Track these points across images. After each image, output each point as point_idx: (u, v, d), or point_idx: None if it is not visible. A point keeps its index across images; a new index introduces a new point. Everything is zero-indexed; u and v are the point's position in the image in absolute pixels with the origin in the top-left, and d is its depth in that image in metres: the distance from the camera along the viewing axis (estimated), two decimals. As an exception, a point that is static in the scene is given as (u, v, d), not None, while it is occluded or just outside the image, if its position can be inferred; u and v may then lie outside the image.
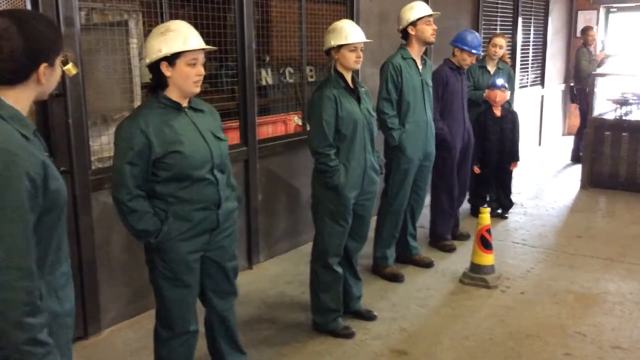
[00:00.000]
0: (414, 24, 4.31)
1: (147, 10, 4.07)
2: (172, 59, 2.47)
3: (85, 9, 4.60)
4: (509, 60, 6.19)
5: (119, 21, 4.50)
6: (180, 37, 2.47)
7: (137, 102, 4.44)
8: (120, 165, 2.52)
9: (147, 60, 2.52)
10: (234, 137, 4.67)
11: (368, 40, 3.58)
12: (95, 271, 3.61)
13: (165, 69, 2.48)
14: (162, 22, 3.93)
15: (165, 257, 2.67)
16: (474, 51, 4.86)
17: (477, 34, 5.04)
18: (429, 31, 4.31)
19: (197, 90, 2.56)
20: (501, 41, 5.74)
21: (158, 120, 2.52)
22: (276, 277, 4.56)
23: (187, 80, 2.51)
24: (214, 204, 2.66)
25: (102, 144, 3.92)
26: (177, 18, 4.69)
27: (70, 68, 3.26)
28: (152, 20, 4.45)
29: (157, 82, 2.55)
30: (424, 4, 4.41)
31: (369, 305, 3.96)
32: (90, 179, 3.53)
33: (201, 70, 2.53)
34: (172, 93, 2.55)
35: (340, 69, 3.52)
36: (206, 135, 2.63)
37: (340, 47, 3.45)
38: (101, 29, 4.21)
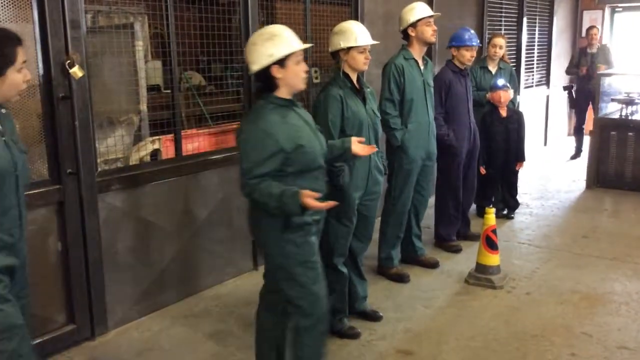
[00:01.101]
0: (414, 25, 4.33)
1: (152, 13, 4.07)
2: (282, 61, 2.61)
3: (92, 12, 4.63)
4: (509, 60, 6.17)
5: (124, 24, 4.53)
6: (286, 39, 2.64)
7: (143, 104, 4.47)
8: (253, 171, 2.56)
9: (257, 67, 2.63)
10: (239, 139, 4.68)
11: (376, 42, 3.59)
12: (102, 272, 3.63)
13: (276, 71, 2.62)
14: (168, 24, 3.97)
15: (298, 240, 2.70)
16: (468, 44, 4.85)
17: (468, 28, 5.03)
18: (429, 32, 4.32)
19: (304, 86, 2.78)
20: (501, 41, 5.73)
21: (278, 119, 2.63)
22: (282, 278, 4.57)
23: (297, 78, 2.69)
24: (322, 190, 2.75)
25: (109, 146, 3.95)
26: (182, 20, 4.73)
27: (77, 71, 3.33)
28: (158, 22, 4.48)
29: (266, 85, 2.68)
30: (424, 5, 4.42)
31: (375, 305, 3.97)
32: (97, 181, 3.54)
33: (306, 66, 2.74)
34: (282, 93, 2.69)
35: (347, 70, 3.53)
36: (313, 127, 2.82)
37: (349, 48, 3.47)
38: (107, 31, 4.24)
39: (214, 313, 3.99)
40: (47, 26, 3.22)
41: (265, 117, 2.62)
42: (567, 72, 8.90)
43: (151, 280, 3.96)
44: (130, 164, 4.06)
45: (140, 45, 4.52)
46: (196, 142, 4.48)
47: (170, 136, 4.17)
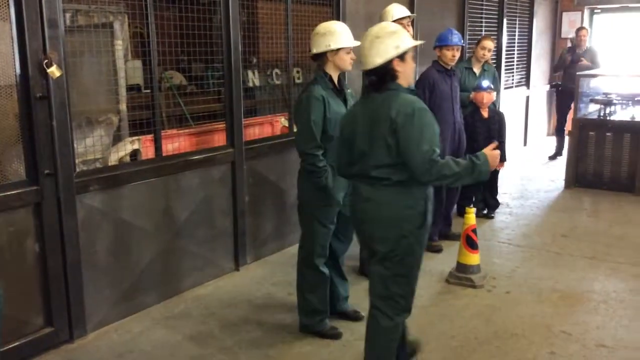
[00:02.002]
0: None
1: (132, 12, 4.04)
2: (403, 55, 2.78)
3: (71, 11, 4.58)
4: (492, 62, 6.22)
5: (104, 23, 4.48)
6: (406, 34, 2.83)
7: (123, 104, 4.43)
8: (436, 151, 2.67)
9: (381, 60, 2.74)
10: (221, 139, 4.66)
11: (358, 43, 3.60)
12: (80, 274, 3.59)
13: (397, 64, 2.77)
14: (148, 23, 3.93)
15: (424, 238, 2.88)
16: (449, 43, 4.88)
17: (452, 29, 5.07)
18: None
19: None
20: (490, 44, 5.78)
21: None
22: (263, 278, 4.56)
23: (412, 71, 2.90)
24: None
25: (87, 146, 3.91)
26: (163, 20, 4.69)
27: (54, 70, 3.28)
28: (138, 21, 4.44)
29: (384, 78, 2.78)
30: (399, 6, 4.47)
31: (356, 305, 3.96)
32: (75, 182, 3.50)
33: None
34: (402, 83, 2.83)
35: (330, 70, 3.52)
36: None
37: (338, 49, 3.47)
38: (86, 30, 4.19)
39: (195, 314, 3.96)
40: (25, 25, 3.18)
41: (421, 102, 2.77)
42: (556, 69, 9.02)
43: (131, 282, 3.92)
44: (109, 164, 4.01)
45: (119, 45, 4.48)
46: (177, 142, 4.45)
47: (150, 136, 4.13)
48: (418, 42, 2.94)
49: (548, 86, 10.23)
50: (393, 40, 2.73)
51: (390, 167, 2.70)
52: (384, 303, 2.86)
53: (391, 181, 2.72)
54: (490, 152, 2.79)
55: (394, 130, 2.64)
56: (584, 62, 8.28)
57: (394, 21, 4.36)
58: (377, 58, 2.73)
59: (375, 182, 2.75)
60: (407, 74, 2.81)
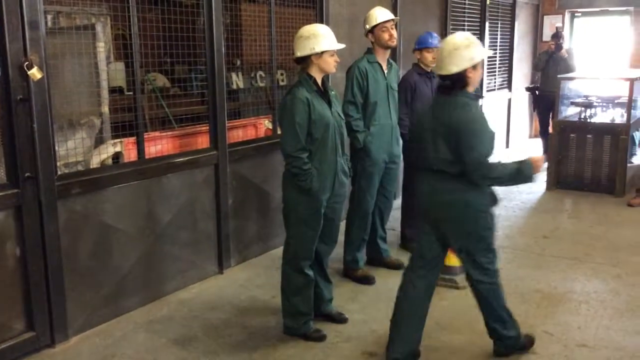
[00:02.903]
0: (371, 31, 4.39)
1: (115, 14, 4.01)
2: (475, 65, 3.09)
3: (52, 13, 4.54)
4: None
5: (86, 25, 4.45)
6: (480, 45, 3.14)
7: (105, 107, 4.40)
8: (488, 153, 3.11)
9: (457, 69, 3.05)
10: (204, 142, 4.65)
11: (344, 45, 3.61)
12: (62, 278, 3.55)
13: (469, 72, 3.07)
14: (131, 25, 3.91)
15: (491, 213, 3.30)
16: (429, 45, 4.92)
17: (431, 32, 5.11)
18: (385, 37, 4.39)
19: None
20: None
21: None
22: (247, 281, 4.55)
23: (479, 79, 3.18)
24: None
25: (69, 149, 3.88)
26: (146, 22, 4.67)
27: (35, 72, 3.25)
28: (120, 23, 4.41)
29: (456, 84, 3.09)
30: (382, 10, 4.47)
31: (340, 307, 3.98)
32: (56, 185, 3.47)
33: None
34: (470, 90, 3.15)
35: (314, 73, 3.53)
36: None
37: (322, 52, 3.47)
38: (68, 32, 4.16)
39: (178, 318, 3.94)
40: (5, 27, 3.14)
41: (479, 108, 3.18)
42: (536, 68, 9.15)
43: (113, 286, 3.89)
44: (91, 167, 3.98)
45: (101, 47, 4.45)
46: (160, 144, 4.43)
47: (132, 139, 4.11)
48: (489, 53, 3.40)
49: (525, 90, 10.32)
50: (469, 52, 3.06)
51: (449, 162, 3.09)
52: (477, 272, 3.27)
53: (451, 174, 3.10)
54: (535, 158, 3.14)
55: (456, 132, 3.02)
56: (564, 53, 8.41)
57: (377, 24, 4.38)
58: (454, 67, 3.06)
59: (438, 173, 3.14)
60: (476, 81, 3.16)
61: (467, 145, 2.99)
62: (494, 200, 3.21)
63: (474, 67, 3.08)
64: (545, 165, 3.09)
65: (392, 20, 4.41)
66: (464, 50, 3.06)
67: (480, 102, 3.65)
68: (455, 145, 3.03)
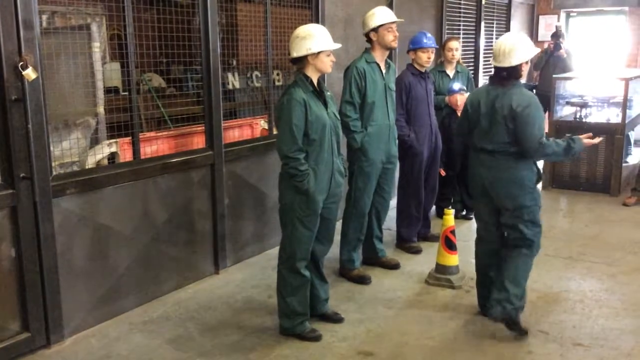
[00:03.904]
0: (375, 30, 4.38)
1: (110, 14, 4.01)
2: (528, 60, 3.68)
3: (48, 13, 4.54)
4: (462, 62, 6.27)
5: (81, 25, 4.45)
6: (530, 43, 3.64)
7: (100, 107, 4.40)
8: (543, 134, 3.57)
9: (517, 62, 3.56)
10: (200, 141, 4.65)
11: (340, 45, 3.61)
12: (57, 279, 3.55)
13: (523, 66, 3.62)
14: (125, 25, 3.90)
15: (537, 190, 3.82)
16: (424, 45, 4.93)
17: (424, 32, 5.12)
18: (390, 37, 4.38)
19: None
20: (455, 44, 5.82)
21: None
22: (243, 281, 4.55)
23: (527, 71, 3.77)
24: None
25: (64, 149, 3.87)
26: (142, 22, 4.66)
27: (30, 73, 3.25)
28: (116, 23, 4.41)
29: (513, 75, 3.60)
30: (386, 10, 4.46)
31: (336, 307, 3.98)
32: (51, 185, 3.46)
33: None
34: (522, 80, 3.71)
35: (310, 73, 3.53)
36: None
37: (319, 52, 3.47)
38: (63, 32, 4.15)
39: (174, 318, 3.94)
40: (-1, 27, 3.14)
41: (535, 98, 3.59)
42: (535, 67, 9.17)
43: (109, 286, 3.89)
44: (87, 167, 3.98)
45: (97, 47, 4.44)
46: (155, 145, 4.42)
47: (127, 139, 4.10)
48: (538, 51, 3.77)
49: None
50: (528, 49, 3.59)
51: (507, 144, 3.56)
52: (526, 242, 3.67)
53: (508, 152, 3.58)
54: (585, 138, 3.67)
55: (513, 118, 3.49)
56: (563, 52, 8.44)
57: (383, 24, 4.36)
58: (514, 60, 3.56)
59: (495, 153, 3.61)
60: (525, 74, 3.69)
61: (529, 128, 3.48)
62: (539, 177, 3.70)
63: (527, 62, 3.63)
64: (598, 140, 3.88)
65: (395, 22, 4.41)
66: (523, 46, 3.58)
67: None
68: (515, 129, 3.50)
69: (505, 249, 3.74)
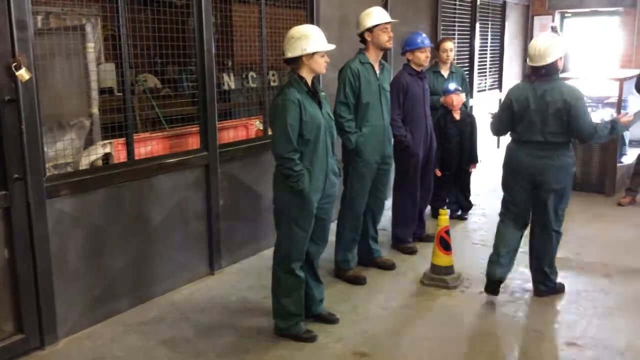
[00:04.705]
0: (370, 30, 4.38)
1: (105, 15, 3.99)
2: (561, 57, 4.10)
3: (42, 13, 4.52)
4: (455, 63, 6.29)
5: (75, 26, 4.43)
6: (563, 42, 4.09)
7: (95, 108, 4.39)
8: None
9: (552, 59, 3.93)
10: (195, 142, 4.64)
11: (334, 46, 3.61)
12: (51, 280, 3.53)
13: (559, 61, 3.97)
14: (119, 25, 3.89)
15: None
16: (421, 45, 4.94)
17: (418, 32, 5.13)
18: (385, 38, 4.38)
19: None
20: (449, 45, 5.83)
21: None
22: (238, 282, 4.54)
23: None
24: None
25: (58, 150, 3.86)
26: (137, 22, 4.65)
27: (23, 73, 3.24)
28: (110, 24, 4.40)
29: (551, 71, 3.95)
30: (382, 11, 4.46)
31: (331, 308, 3.98)
32: (45, 186, 3.45)
33: None
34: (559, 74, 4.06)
35: (304, 74, 3.53)
36: None
37: (313, 53, 3.47)
38: (57, 33, 4.14)
39: (169, 320, 3.93)
40: (-8, 27, 3.13)
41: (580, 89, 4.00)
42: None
43: (103, 288, 3.88)
44: (81, 168, 3.96)
45: (91, 47, 4.43)
46: (150, 145, 4.42)
47: (122, 140, 4.09)
48: (567, 48, 4.22)
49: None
50: (560, 46, 3.95)
51: (559, 134, 3.92)
52: (556, 222, 4.15)
53: (557, 142, 3.95)
54: (622, 116, 4.17)
55: (568, 110, 3.85)
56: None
57: (378, 24, 4.36)
58: (549, 58, 3.90)
59: (544, 144, 3.96)
60: (561, 67, 4.01)
61: (584, 116, 3.87)
62: (574, 163, 4.09)
63: (561, 58, 3.97)
64: (630, 115, 4.26)
65: (389, 23, 4.42)
66: (557, 44, 3.95)
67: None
68: (570, 120, 3.86)
69: (540, 231, 4.19)
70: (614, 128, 3.98)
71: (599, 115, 7.23)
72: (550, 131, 3.93)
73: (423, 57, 4.97)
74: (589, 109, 3.94)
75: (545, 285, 4.24)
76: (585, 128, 3.90)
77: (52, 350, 3.54)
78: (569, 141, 4.01)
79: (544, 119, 3.92)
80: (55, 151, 3.85)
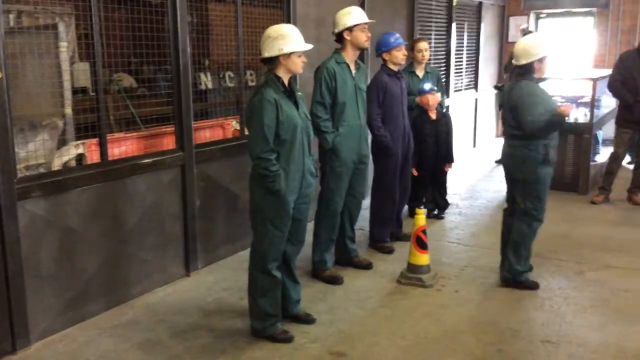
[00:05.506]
0: (350, 29, 4.38)
1: (77, 14, 3.94)
2: (542, 58, 4.23)
3: (14, 12, 4.45)
4: (430, 63, 6.32)
5: (48, 24, 4.36)
6: (545, 43, 4.21)
7: (68, 108, 4.32)
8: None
9: (525, 61, 4.17)
10: (170, 142, 4.60)
11: (312, 46, 3.60)
12: (23, 283, 3.48)
13: (536, 64, 4.19)
14: (92, 24, 3.84)
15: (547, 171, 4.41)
16: (397, 44, 4.95)
17: (391, 32, 5.14)
18: (363, 38, 4.39)
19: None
20: (424, 45, 5.85)
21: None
22: (214, 283, 4.51)
23: (545, 69, 4.31)
24: None
25: (30, 151, 3.80)
26: (112, 21, 4.60)
27: (-7, 73, 3.17)
28: (83, 23, 4.34)
29: (528, 70, 4.18)
30: (360, 10, 4.47)
31: (308, 308, 3.97)
32: (16, 188, 3.39)
33: None
34: (538, 75, 4.24)
35: (281, 73, 3.51)
36: None
37: (291, 53, 3.46)
38: (29, 32, 4.07)
39: (143, 322, 3.89)
40: (-40, 26, 3.06)
41: (533, 86, 4.17)
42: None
43: (77, 290, 3.82)
44: (53, 169, 3.90)
45: (64, 46, 4.36)
46: (124, 146, 4.36)
47: (95, 140, 4.03)
48: (550, 51, 4.18)
49: (493, 88, 10.45)
50: (537, 49, 4.13)
51: (517, 128, 4.18)
52: (523, 213, 4.31)
53: (513, 134, 4.25)
54: (562, 107, 4.13)
55: (516, 105, 4.14)
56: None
57: (358, 24, 4.36)
58: (523, 59, 4.16)
59: (508, 136, 4.35)
60: (543, 71, 4.23)
61: (525, 110, 4.08)
62: (545, 158, 4.19)
63: (540, 60, 4.15)
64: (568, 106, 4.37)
65: (367, 23, 4.42)
66: (531, 48, 4.14)
67: (545, 83, 4.27)
68: (514, 116, 4.18)
69: (511, 217, 4.46)
70: (549, 119, 4.07)
71: (573, 115, 7.35)
72: (510, 124, 4.27)
73: (400, 56, 4.99)
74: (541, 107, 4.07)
75: (509, 273, 4.39)
76: (524, 120, 4.11)
77: (24, 354, 3.49)
78: (530, 135, 4.14)
79: (508, 114, 4.28)
80: (27, 152, 3.78)
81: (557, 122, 4.13)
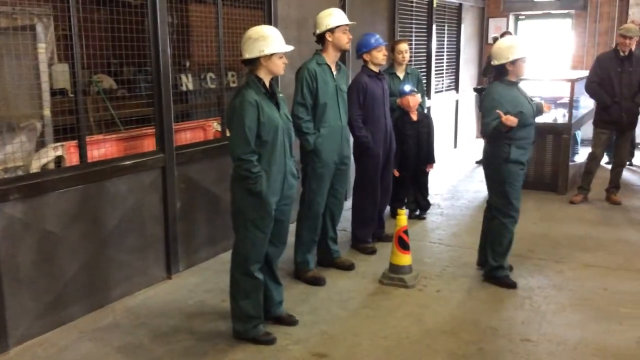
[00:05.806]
0: (331, 30, 4.39)
1: (56, 14, 3.89)
2: (514, 61, 4.31)
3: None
4: (411, 64, 6.35)
5: (25, 25, 4.32)
6: (519, 46, 4.29)
7: (47, 109, 4.27)
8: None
9: (504, 61, 4.25)
10: (151, 144, 4.57)
11: (293, 48, 3.60)
12: (1, 286, 3.43)
13: (509, 66, 4.29)
14: (71, 25, 3.80)
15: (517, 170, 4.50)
16: (377, 44, 4.97)
17: (371, 33, 5.16)
18: (345, 39, 4.41)
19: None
20: (404, 46, 5.87)
21: (505, 91, 4.37)
22: (196, 286, 4.49)
23: (521, 72, 4.38)
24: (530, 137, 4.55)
25: (7, 154, 3.75)
26: (92, 22, 4.55)
27: (-32, 74, 3.13)
28: (62, 24, 4.29)
29: (501, 72, 4.32)
30: (341, 12, 4.48)
31: (290, 310, 3.97)
32: (-7, 191, 3.35)
33: None
34: (511, 78, 4.34)
35: (262, 75, 3.51)
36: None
37: (271, 54, 3.45)
38: (6, 33, 4.02)
39: (124, 325, 3.86)
40: None
41: (498, 88, 4.28)
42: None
43: (56, 294, 3.78)
44: (31, 172, 3.86)
45: (42, 48, 4.32)
46: (103, 148, 4.33)
47: (74, 142, 3.99)
48: (526, 54, 4.22)
49: (473, 91, 10.53)
50: (505, 51, 4.22)
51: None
52: (495, 208, 4.47)
53: (484, 134, 4.35)
54: (504, 118, 4.09)
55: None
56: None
57: (339, 26, 4.38)
58: (496, 60, 4.29)
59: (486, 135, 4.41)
60: (518, 73, 4.29)
61: (484, 114, 4.27)
62: (508, 157, 4.26)
63: (513, 63, 4.21)
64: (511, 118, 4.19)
65: (347, 25, 4.44)
66: (502, 50, 4.24)
67: (520, 85, 4.41)
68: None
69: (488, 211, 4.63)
70: (495, 126, 4.17)
71: (552, 116, 7.44)
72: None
73: (380, 56, 5.00)
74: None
75: (488, 267, 4.52)
76: (481, 122, 4.34)
77: (2, 359, 3.44)
78: (499, 135, 4.24)
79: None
80: (5, 154, 3.73)
81: (500, 130, 4.17)
